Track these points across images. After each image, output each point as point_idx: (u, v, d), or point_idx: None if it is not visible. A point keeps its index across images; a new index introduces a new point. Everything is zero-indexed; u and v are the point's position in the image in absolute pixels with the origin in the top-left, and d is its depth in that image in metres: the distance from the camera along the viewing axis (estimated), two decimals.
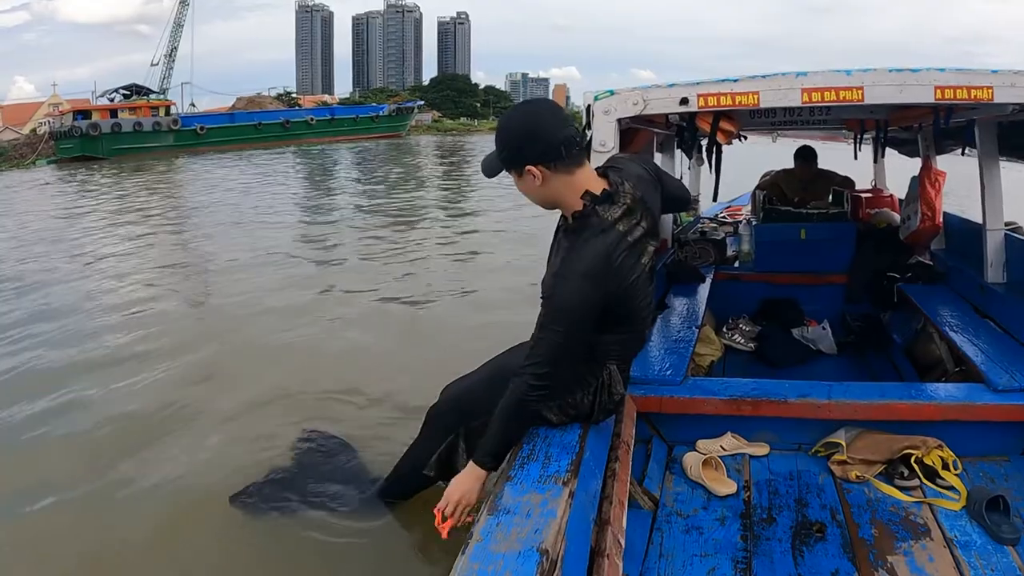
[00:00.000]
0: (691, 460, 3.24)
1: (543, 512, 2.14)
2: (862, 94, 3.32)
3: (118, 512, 3.93)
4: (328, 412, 5.00)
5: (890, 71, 3.32)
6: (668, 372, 3.57)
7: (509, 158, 2.55)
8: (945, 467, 3.07)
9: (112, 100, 65.96)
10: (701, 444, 3.38)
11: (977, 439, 3.27)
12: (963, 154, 4.81)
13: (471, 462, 2.69)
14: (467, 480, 2.66)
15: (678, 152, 5.83)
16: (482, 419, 2.90)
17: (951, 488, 2.99)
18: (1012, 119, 4.03)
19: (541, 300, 2.54)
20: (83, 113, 62.56)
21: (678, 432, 3.48)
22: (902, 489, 3.03)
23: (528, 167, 2.51)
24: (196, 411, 5.22)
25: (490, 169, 2.61)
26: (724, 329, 5.57)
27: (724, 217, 8.19)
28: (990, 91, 3.25)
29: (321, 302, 8.41)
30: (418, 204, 18.99)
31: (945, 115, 3.99)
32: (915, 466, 3.06)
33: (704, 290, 5.29)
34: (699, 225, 7.13)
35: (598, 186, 2.60)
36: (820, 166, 7.31)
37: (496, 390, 2.88)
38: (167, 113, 66.28)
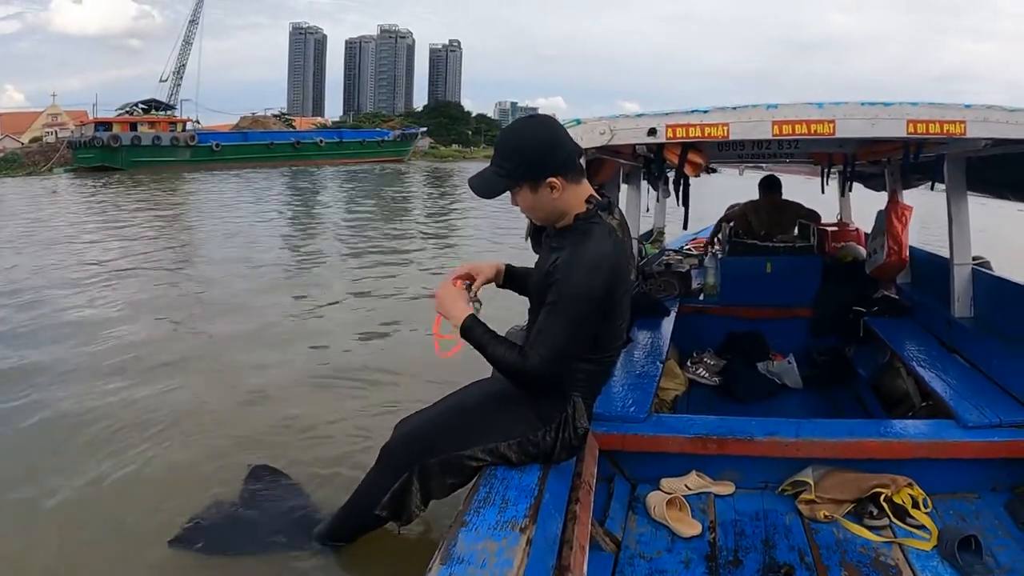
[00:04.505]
0: (655, 500, 3.14)
1: (499, 562, 2.04)
2: (834, 127, 3.28)
3: (44, 553, 3.69)
4: (275, 447, 4.80)
5: (862, 104, 3.29)
6: (631, 409, 3.47)
7: (529, 171, 2.60)
8: (915, 506, 3.04)
9: (131, 113, 68.45)
10: (665, 483, 3.28)
11: (947, 476, 3.23)
12: (932, 189, 4.79)
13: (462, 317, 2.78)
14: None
15: (644, 183, 5.77)
16: (438, 457, 2.81)
17: (922, 527, 2.94)
18: (981, 154, 4.00)
19: (549, 291, 2.60)
20: (104, 125, 64.87)
21: (641, 470, 3.38)
22: (872, 529, 2.97)
23: (550, 179, 2.59)
24: (136, 441, 4.98)
25: (491, 189, 2.66)
26: (688, 363, 5.50)
27: (689, 249, 8.15)
28: (963, 125, 3.23)
29: (288, 330, 8.20)
30: (409, 233, 18.65)
31: (915, 150, 3.96)
32: (885, 505, 3.01)
33: (668, 324, 5.21)
34: (664, 257, 7.09)
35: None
36: (799, 199, 7.34)
37: (453, 427, 2.86)
38: (183, 129, 68.66)
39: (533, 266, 2.92)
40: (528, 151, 2.58)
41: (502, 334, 2.86)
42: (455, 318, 2.77)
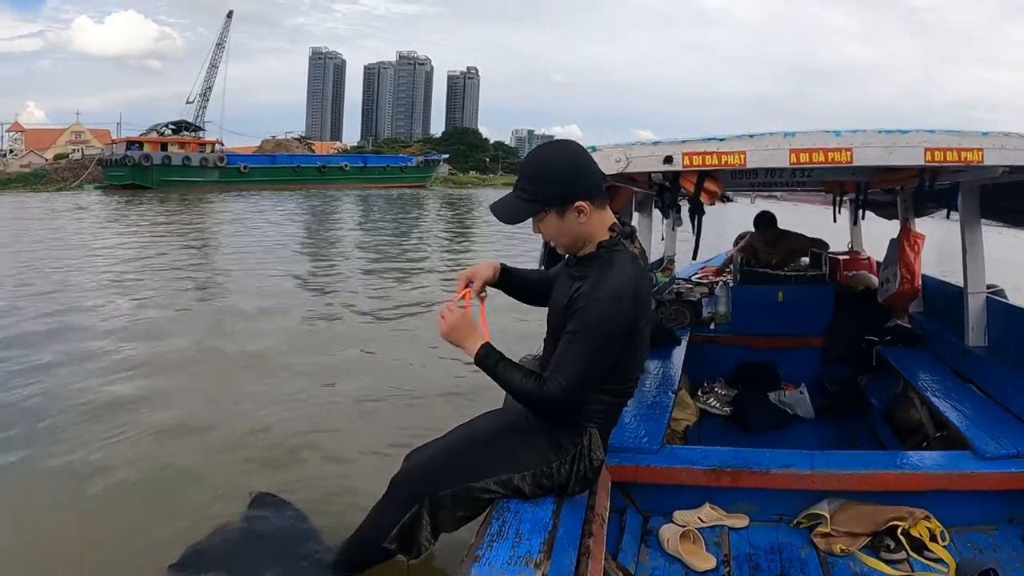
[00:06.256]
0: (668, 533, 3.10)
1: None
2: (851, 156, 3.24)
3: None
4: (280, 473, 4.78)
5: (879, 132, 3.25)
6: (644, 440, 3.42)
7: (556, 195, 2.55)
8: (932, 538, 2.99)
9: (161, 134, 70.88)
10: (678, 515, 3.23)
11: (964, 508, 3.18)
12: (948, 217, 4.75)
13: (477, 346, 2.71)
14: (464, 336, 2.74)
15: (656, 211, 5.74)
16: (449, 489, 2.75)
17: (939, 560, 2.90)
18: (997, 181, 3.97)
19: (571, 319, 2.54)
20: (136, 144, 67.35)
21: (654, 502, 3.33)
22: (889, 562, 2.93)
23: (578, 203, 2.54)
24: (136, 462, 4.98)
25: (515, 214, 2.61)
26: (699, 393, 5.46)
27: (699, 278, 8.11)
28: (980, 153, 3.19)
29: (301, 354, 8.15)
30: (427, 258, 18.67)
31: (931, 178, 3.92)
32: (902, 538, 2.97)
33: (680, 353, 5.16)
34: (674, 286, 7.04)
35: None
36: (810, 230, 7.34)
37: (464, 458, 2.79)
38: (212, 150, 71.50)
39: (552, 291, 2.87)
40: (556, 175, 2.54)
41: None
42: (469, 348, 2.71)
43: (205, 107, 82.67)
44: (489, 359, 2.67)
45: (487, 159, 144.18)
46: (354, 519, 3.25)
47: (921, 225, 5.92)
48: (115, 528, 4.09)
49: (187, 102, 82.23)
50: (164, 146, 68.85)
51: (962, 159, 3.21)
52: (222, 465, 4.93)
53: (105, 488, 4.59)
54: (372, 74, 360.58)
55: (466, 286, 2.91)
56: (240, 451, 5.18)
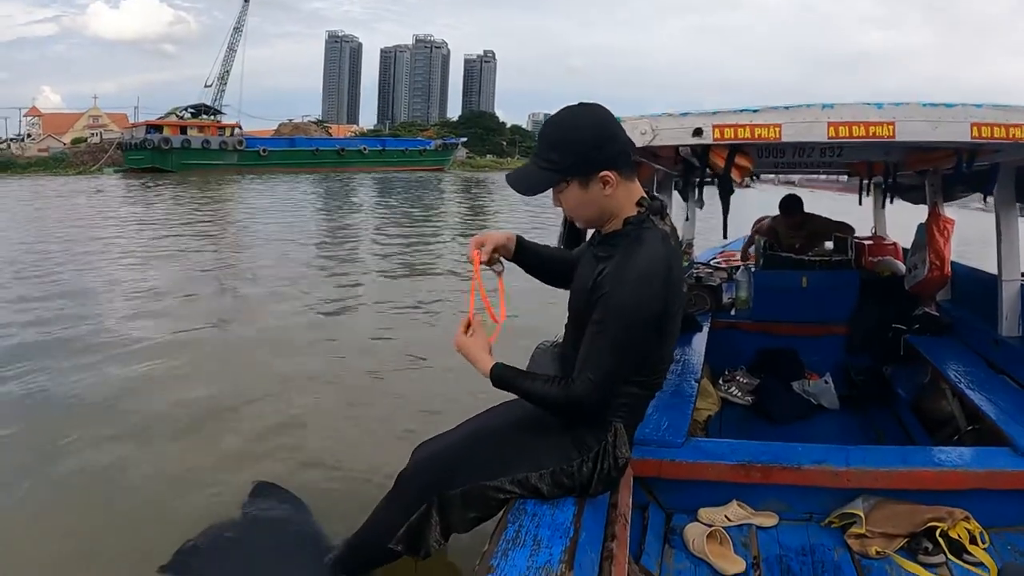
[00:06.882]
0: (693, 532, 2.93)
1: None
2: (893, 130, 3.06)
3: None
4: (283, 463, 4.65)
5: (923, 106, 3.06)
6: (667, 432, 3.25)
7: (580, 163, 2.34)
8: (972, 540, 2.82)
9: (181, 117, 73.15)
10: (704, 513, 3.07)
11: (1003, 508, 3.01)
12: (984, 201, 4.57)
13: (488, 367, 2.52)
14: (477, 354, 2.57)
15: (675, 194, 5.56)
16: (460, 487, 2.58)
17: (979, 564, 2.74)
18: None
19: (596, 306, 2.33)
20: (156, 128, 69.01)
21: (678, 499, 3.16)
22: (926, 566, 2.77)
23: (603, 172, 2.33)
24: (133, 449, 4.89)
25: (534, 184, 2.41)
26: (720, 381, 5.30)
27: (717, 262, 7.93)
28: None
29: (309, 342, 8.01)
30: (444, 244, 18.44)
31: (968, 158, 3.72)
32: (940, 540, 2.80)
33: (701, 340, 5.01)
34: (694, 270, 6.87)
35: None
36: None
37: (478, 454, 2.61)
38: (232, 134, 73.17)
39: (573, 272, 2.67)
40: (580, 141, 2.32)
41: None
42: (482, 369, 2.52)
43: (223, 91, 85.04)
44: (506, 375, 2.49)
45: (504, 143, 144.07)
46: (358, 509, 3.09)
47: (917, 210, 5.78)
48: (103, 521, 3.99)
49: (205, 85, 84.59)
50: (184, 129, 70.25)
51: (1010, 136, 3.01)
52: (222, 451, 4.85)
53: (100, 476, 4.51)
54: (388, 57, 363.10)
55: (476, 251, 2.70)
56: (241, 436, 5.11)
